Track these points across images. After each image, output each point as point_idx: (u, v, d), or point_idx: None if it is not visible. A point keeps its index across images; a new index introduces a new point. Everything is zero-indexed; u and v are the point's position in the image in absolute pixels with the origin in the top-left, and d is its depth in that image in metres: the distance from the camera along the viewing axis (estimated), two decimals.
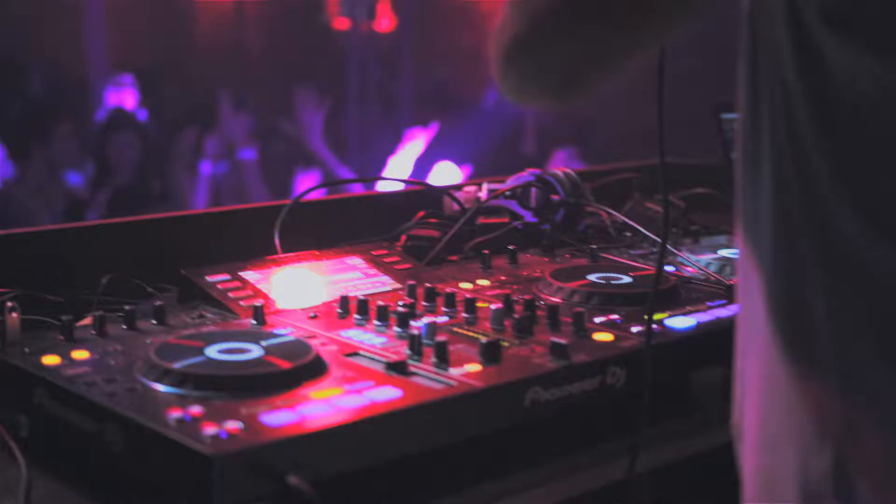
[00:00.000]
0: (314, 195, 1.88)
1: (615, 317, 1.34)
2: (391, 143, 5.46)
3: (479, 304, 1.35)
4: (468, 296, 1.37)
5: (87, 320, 1.28)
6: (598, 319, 1.33)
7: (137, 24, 6.34)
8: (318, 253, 1.54)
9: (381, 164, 5.27)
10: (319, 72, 6.10)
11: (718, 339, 1.32)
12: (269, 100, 5.77)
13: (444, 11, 6.70)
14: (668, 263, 1.61)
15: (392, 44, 6.65)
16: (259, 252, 1.55)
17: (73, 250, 1.69)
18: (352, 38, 6.51)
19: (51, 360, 1.16)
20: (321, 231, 1.73)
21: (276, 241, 1.64)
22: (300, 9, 6.60)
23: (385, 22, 6.55)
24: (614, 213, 1.78)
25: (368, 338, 1.25)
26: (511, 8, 0.96)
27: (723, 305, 1.40)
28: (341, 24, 6.56)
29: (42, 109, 5.40)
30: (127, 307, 1.29)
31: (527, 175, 1.80)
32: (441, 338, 1.20)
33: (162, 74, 6.06)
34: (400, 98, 6.52)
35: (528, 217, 1.77)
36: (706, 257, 1.61)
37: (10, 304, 1.23)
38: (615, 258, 1.64)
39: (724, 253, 1.64)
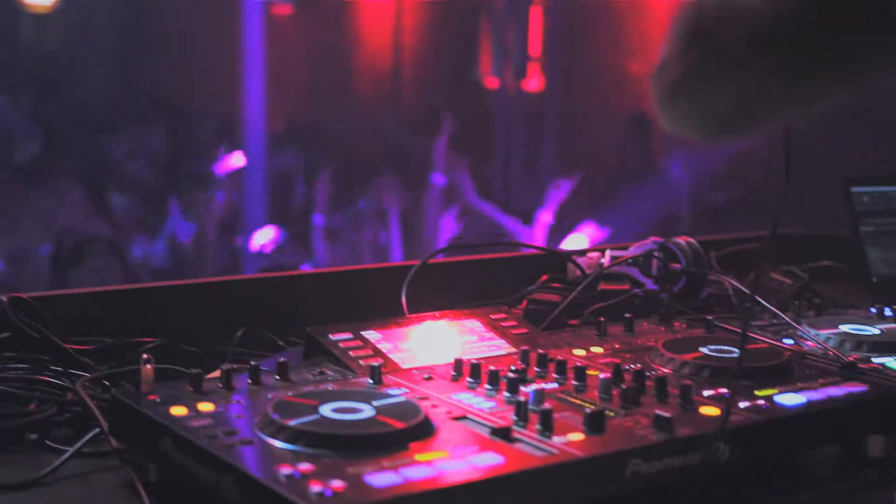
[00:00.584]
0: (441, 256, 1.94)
1: (724, 391, 1.34)
2: (531, 204, 5.53)
3: (589, 372, 1.37)
4: (579, 363, 1.39)
5: (216, 373, 1.36)
6: (706, 392, 1.34)
7: (299, 82, 6.58)
8: (437, 314, 1.59)
9: (520, 223, 5.34)
10: (469, 130, 6.21)
11: (830, 418, 1.32)
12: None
13: (592, 72, 6.73)
14: (788, 336, 1.60)
15: (540, 104, 6.72)
16: (387, 310, 1.61)
17: (213, 303, 1.79)
18: (500, 97, 6.61)
19: (178, 410, 1.22)
20: (447, 292, 1.79)
21: (403, 302, 1.70)
22: (454, 68, 6.73)
23: (534, 82, 6.63)
24: (735, 282, 1.77)
25: (478, 401, 1.29)
26: (673, 51, 0.96)
27: (836, 383, 1.39)
28: (492, 83, 6.68)
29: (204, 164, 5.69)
30: (252, 362, 1.36)
31: (649, 243, 1.82)
32: (547, 405, 1.23)
33: (323, 132, 6.29)
34: (544, 157, 6.58)
35: (650, 285, 1.79)
36: (826, 332, 1.59)
37: (145, 355, 1.31)
38: (733, 329, 1.63)
39: (845, 328, 1.62)
